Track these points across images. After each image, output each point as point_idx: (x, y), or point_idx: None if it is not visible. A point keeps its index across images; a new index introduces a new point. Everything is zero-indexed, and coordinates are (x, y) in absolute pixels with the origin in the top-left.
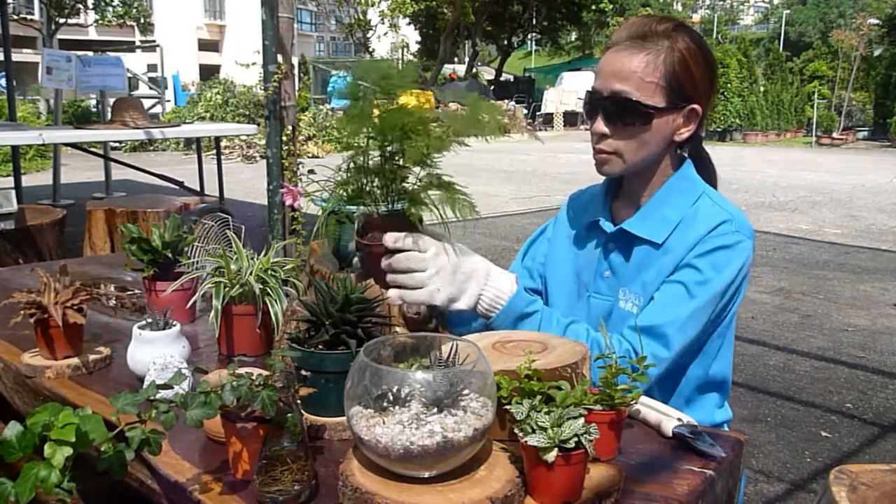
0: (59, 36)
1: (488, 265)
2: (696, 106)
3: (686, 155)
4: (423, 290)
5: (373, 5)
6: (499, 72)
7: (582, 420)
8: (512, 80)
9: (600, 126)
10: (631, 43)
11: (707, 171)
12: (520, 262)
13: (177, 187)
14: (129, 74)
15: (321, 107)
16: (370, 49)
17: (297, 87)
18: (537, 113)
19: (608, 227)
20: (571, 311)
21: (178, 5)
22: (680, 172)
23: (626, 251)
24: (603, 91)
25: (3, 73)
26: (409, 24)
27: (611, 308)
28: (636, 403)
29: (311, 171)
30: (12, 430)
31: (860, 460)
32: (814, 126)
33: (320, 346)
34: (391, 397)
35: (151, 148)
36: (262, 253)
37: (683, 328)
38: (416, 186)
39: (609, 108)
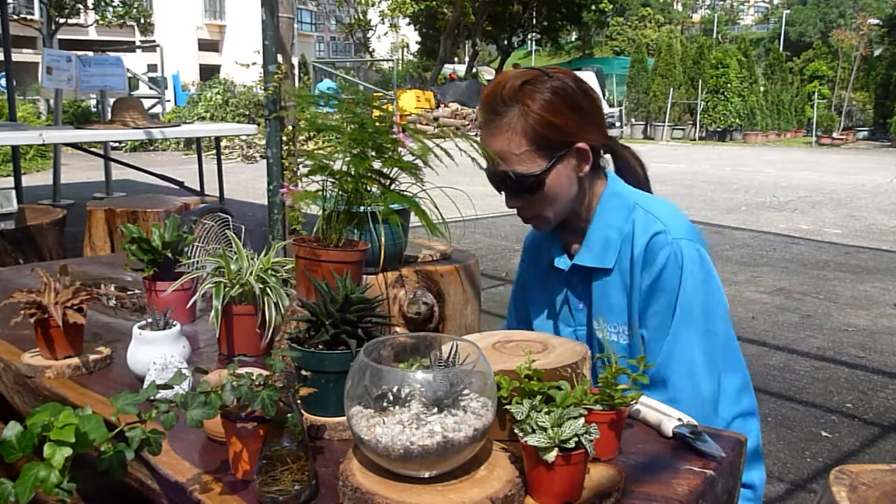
0: (59, 36)
1: None
2: (578, 145)
3: (606, 169)
4: None
5: (373, 5)
6: (499, 72)
7: (582, 420)
8: None
9: (509, 201)
10: (488, 122)
11: (632, 168)
12: (513, 318)
13: (177, 187)
14: (129, 74)
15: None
16: (370, 49)
17: (297, 87)
18: None
19: (564, 264)
20: None
21: (178, 5)
22: (608, 189)
23: (587, 282)
24: (494, 172)
25: (3, 73)
26: (409, 24)
27: (589, 338)
28: (636, 403)
29: (311, 171)
30: (12, 430)
31: (860, 460)
32: (814, 126)
33: (320, 346)
34: (391, 397)
35: (151, 148)
36: (263, 253)
37: (694, 365)
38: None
39: (506, 185)
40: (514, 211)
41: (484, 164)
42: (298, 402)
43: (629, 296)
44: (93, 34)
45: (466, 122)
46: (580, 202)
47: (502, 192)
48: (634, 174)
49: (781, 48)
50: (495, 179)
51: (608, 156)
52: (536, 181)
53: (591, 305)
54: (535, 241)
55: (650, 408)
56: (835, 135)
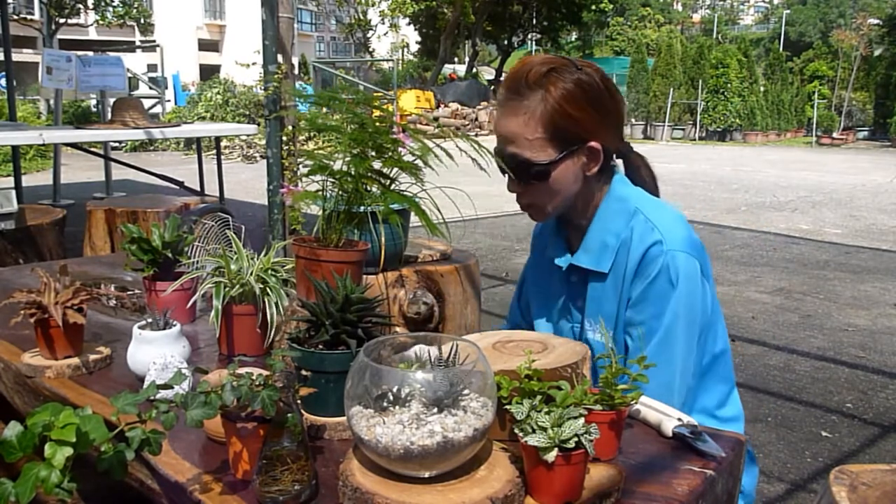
0: (60, 36)
1: None
2: (592, 144)
3: (616, 169)
4: None
5: (373, 5)
6: (499, 72)
7: (582, 420)
8: None
9: (511, 185)
10: (508, 102)
11: (642, 177)
12: (516, 302)
13: (177, 187)
14: (129, 74)
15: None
16: (370, 49)
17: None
18: None
19: (563, 262)
20: None
21: (178, 5)
22: (611, 192)
23: (583, 282)
24: (502, 153)
25: (4, 73)
26: (409, 24)
27: (582, 337)
28: (636, 403)
29: (311, 171)
30: (12, 430)
31: (860, 460)
32: (814, 126)
33: (320, 346)
34: (391, 397)
35: (151, 148)
36: (263, 253)
37: (672, 373)
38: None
39: (512, 167)
40: (514, 212)
41: (483, 164)
42: (298, 402)
43: (618, 304)
44: (93, 34)
45: (466, 122)
46: (584, 201)
47: (506, 174)
48: (643, 184)
49: (781, 48)
50: (501, 159)
51: (620, 160)
52: (543, 170)
53: (587, 306)
54: (542, 232)
55: (650, 408)
56: (835, 135)
